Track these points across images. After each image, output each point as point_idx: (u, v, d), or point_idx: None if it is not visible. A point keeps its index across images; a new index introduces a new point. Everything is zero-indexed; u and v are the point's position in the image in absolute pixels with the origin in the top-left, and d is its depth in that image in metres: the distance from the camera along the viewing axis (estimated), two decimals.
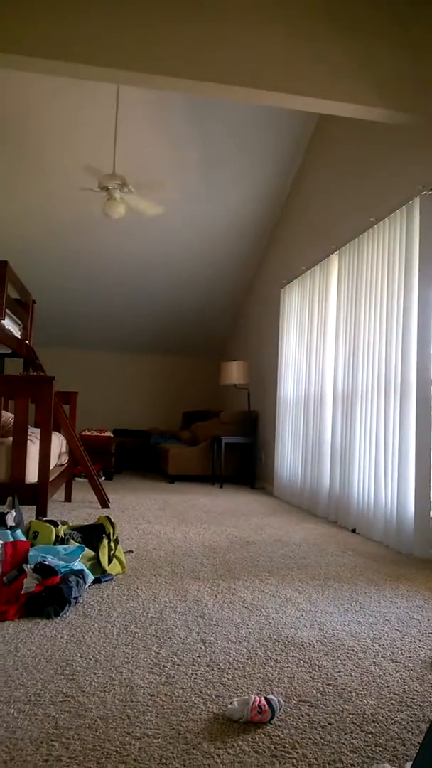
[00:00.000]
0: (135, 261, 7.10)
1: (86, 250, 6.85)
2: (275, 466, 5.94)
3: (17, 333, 4.88)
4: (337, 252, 4.74)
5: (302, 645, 1.95)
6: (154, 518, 4.23)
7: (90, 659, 1.78)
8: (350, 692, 1.62)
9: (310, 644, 1.95)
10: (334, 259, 4.81)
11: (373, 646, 1.96)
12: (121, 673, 1.69)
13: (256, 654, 1.86)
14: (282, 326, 5.96)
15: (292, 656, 1.85)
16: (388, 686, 1.66)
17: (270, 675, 1.71)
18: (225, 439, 6.51)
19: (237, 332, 8.33)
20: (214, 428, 6.84)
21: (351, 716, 1.49)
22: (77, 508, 4.47)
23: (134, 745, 1.33)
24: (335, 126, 5.06)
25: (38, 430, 3.56)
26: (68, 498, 4.89)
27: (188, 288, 7.63)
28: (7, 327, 4.37)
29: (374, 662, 1.83)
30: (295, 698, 1.57)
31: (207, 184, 6.03)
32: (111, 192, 5.01)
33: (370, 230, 4.14)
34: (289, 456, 5.63)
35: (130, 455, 7.99)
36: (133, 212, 5.30)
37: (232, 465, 6.84)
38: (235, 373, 6.82)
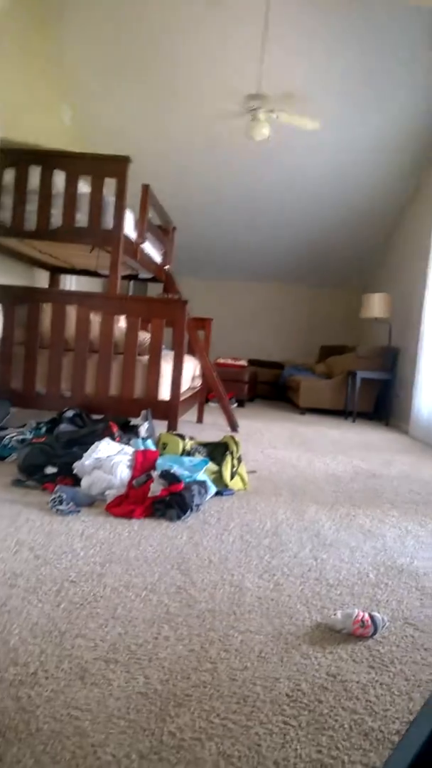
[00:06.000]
0: (276, 188, 6.90)
1: (226, 178, 6.77)
2: (413, 405, 5.69)
3: (157, 258, 5.03)
4: None
5: (417, 574, 1.90)
6: (280, 445, 4.28)
7: (205, 559, 1.88)
8: None
9: (425, 574, 1.90)
10: None
11: None
12: (233, 575, 1.77)
13: (367, 576, 1.85)
14: None
15: (404, 582, 1.82)
16: None
17: (378, 596, 1.70)
18: (361, 374, 6.33)
19: (381, 263, 7.91)
20: (350, 362, 6.67)
21: None
22: (207, 429, 4.64)
23: (237, 637, 1.40)
24: None
25: (173, 353, 3.69)
26: (200, 420, 5.09)
27: (332, 216, 7.31)
28: (147, 251, 4.51)
29: None
30: (401, 620, 1.55)
31: (358, 101, 5.62)
32: (255, 113, 4.87)
33: None
34: (429, 395, 5.36)
35: (263, 386, 8.08)
36: (274, 136, 5.11)
37: (366, 401, 6.67)
38: (377, 306, 6.53)
